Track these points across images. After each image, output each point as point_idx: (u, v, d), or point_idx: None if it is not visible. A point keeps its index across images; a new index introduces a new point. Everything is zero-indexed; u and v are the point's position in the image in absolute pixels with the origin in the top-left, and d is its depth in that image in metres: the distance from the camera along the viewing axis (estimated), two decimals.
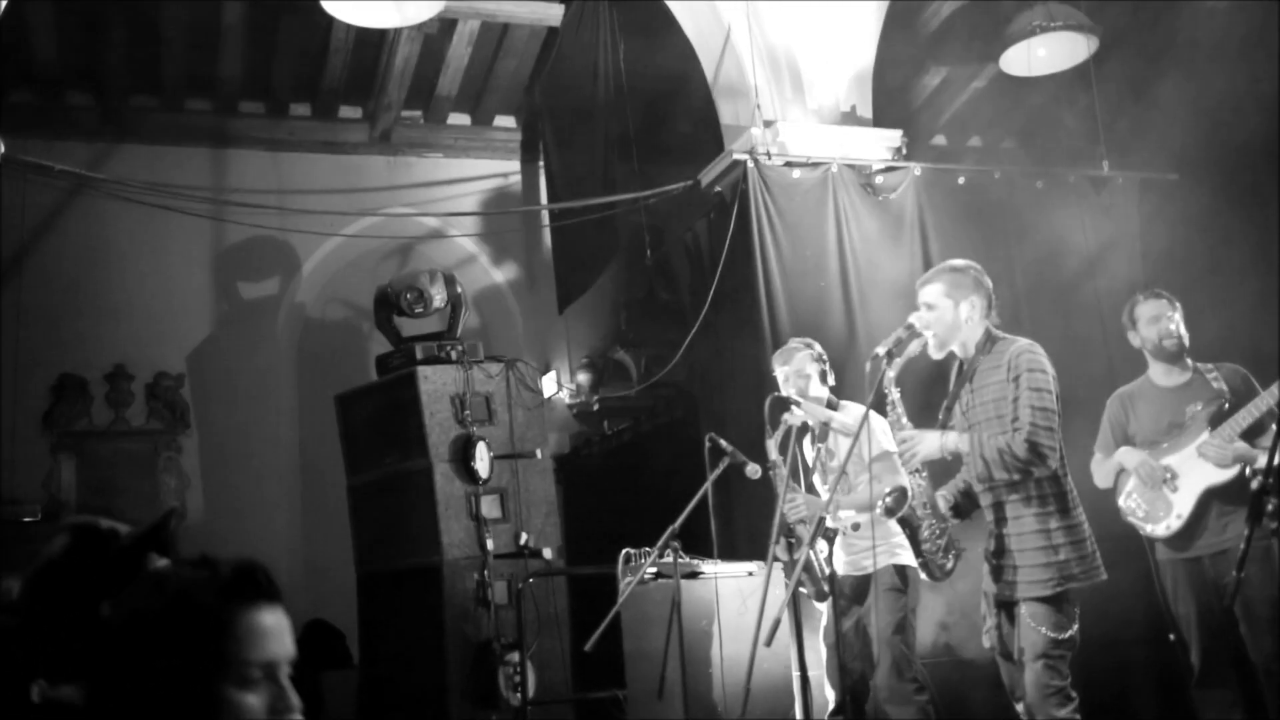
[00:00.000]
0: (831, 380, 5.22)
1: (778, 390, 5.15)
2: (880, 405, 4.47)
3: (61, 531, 1.96)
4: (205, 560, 1.59)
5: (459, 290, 7.11)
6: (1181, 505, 4.97)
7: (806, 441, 5.20)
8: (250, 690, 1.52)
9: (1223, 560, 4.84)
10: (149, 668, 1.48)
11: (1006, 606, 4.29)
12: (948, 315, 4.27)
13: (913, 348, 4.32)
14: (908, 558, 4.92)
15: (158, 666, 1.48)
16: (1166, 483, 4.99)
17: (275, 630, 1.57)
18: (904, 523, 4.42)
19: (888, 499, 4.44)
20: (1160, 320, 5.12)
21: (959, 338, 4.30)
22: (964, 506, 4.43)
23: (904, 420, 4.34)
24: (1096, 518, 5.71)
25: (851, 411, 4.94)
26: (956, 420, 4.36)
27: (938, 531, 4.37)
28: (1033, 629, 4.11)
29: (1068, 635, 4.13)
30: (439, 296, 7.05)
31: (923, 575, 4.51)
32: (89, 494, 8.31)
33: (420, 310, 7.04)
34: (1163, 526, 5.02)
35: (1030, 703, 4.17)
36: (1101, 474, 5.24)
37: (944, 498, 4.43)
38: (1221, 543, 4.88)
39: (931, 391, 4.78)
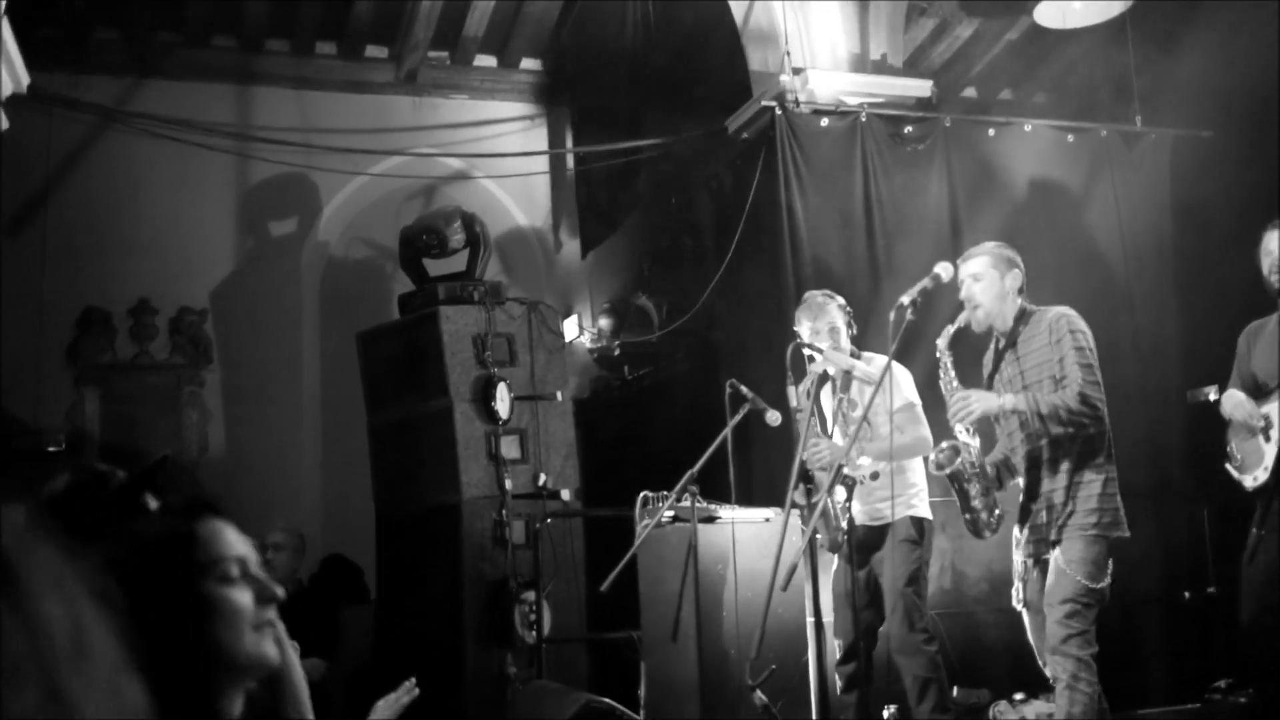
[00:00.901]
0: (854, 330, 5.21)
1: (799, 339, 5.12)
2: (901, 356, 4.56)
3: (63, 471, 2.04)
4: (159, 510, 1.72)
5: (478, 231, 7.07)
6: (1270, 457, 4.73)
7: (827, 391, 5.19)
8: (234, 586, 1.62)
9: None
10: (136, 603, 1.53)
11: (1040, 555, 4.39)
12: (995, 286, 4.47)
13: (961, 319, 4.48)
14: (924, 510, 4.97)
15: (144, 597, 1.51)
16: (1262, 431, 4.76)
17: (236, 535, 1.68)
18: (954, 479, 4.45)
19: (940, 455, 4.49)
20: (1271, 253, 4.81)
21: (1002, 310, 4.48)
22: (1003, 477, 4.55)
23: (955, 383, 4.48)
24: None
25: (875, 362, 4.92)
26: (999, 389, 4.53)
27: (985, 489, 4.45)
28: (1066, 573, 4.23)
29: (1100, 586, 4.22)
30: (457, 237, 7.02)
31: (970, 533, 4.58)
32: (112, 427, 8.38)
33: (437, 251, 7.02)
34: (1250, 478, 4.82)
35: (1052, 645, 4.26)
36: (1224, 400, 5.02)
37: (989, 464, 4.54)
38: None
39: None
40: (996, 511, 4.47)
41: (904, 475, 4.89)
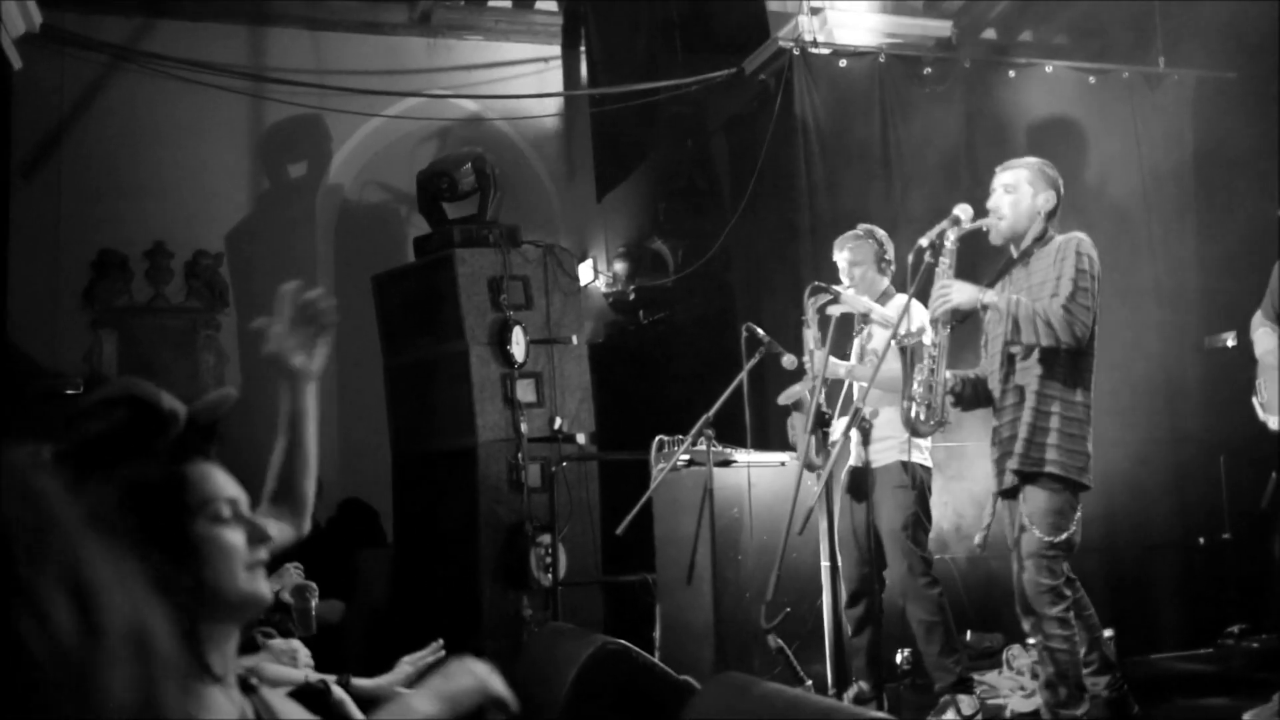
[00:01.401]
0: (893, 269, 5.12)
1: (818, 280, 5.08)
2: (922, 298, 4.40)
3: (120, 403, 1.81)
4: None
5: (489, 173, 6.97)
6: None
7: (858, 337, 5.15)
8: (226, 526, 1.63)
9: None
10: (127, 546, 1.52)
11: (1011, 497, 4.28)
12: (1024, 201, 4.28)
13: (986, 223, 4.28)
14: (917, 455, 4.86)
15: (135, 540, 1.50)
16: None
17: (226, 476, 1.68)
18: (906, 355, 4.24)
19: (906, 332, 4.25)
20: None
21: (1026, 227, 4.29)
22: (967, 396, 4.36)
23: (950, 275, 4.26)
24: (1122, 418, 5.71)
25: (897, 304, 4.84)
26: None
27: (931, 386, 4.21)
28: (1027, 528, 4.11)
29: (1063, 538, 4.09)
30: (467, 180, 6.96)
31: (903, 423, 4.29)
32: (129, 370, 8.41)
33: (448, 195, 6.98)
34: (1274, 420, 4.78)
35: (1022, 603, 4.19)
36: (1256, 340, 4.97)
37: (953, 373, 4.32)
38: None
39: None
40: (937, 414, 4.19)
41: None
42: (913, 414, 4.21)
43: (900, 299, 4.74)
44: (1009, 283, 4.34)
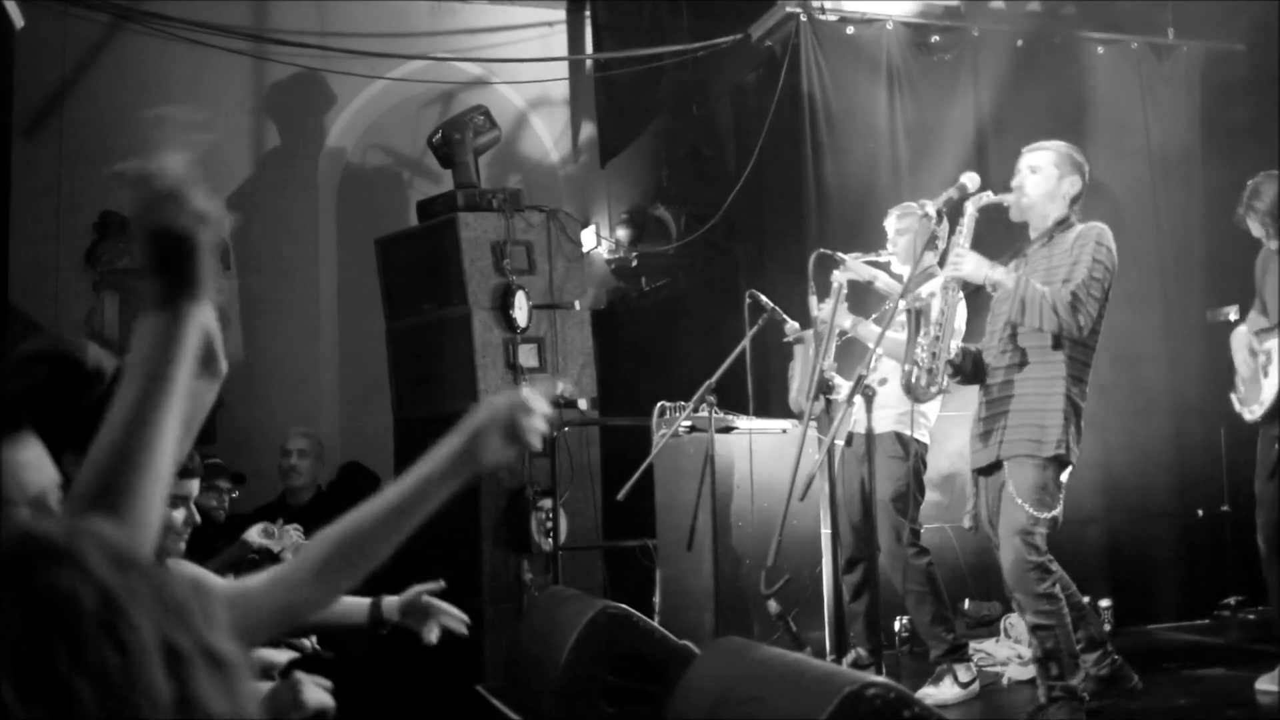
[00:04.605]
0: (941, 246, 4.95)
1: (823, 248, 5.05)
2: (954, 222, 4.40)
3: (43, 360, 1.75)
4: None
5: (452, 139, 6.87)
6: (1266, 394, 4.74)
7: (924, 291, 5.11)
8: None
9: None
10: None
11: (989, 474, 4.29)
12: (1048, 184, 4.30)
13: (1008, 199, 4.29)
14: (914, 429, 4.88)
15: None
16: (1262, 368, 4.77)
17: (34, 463, 1.47)
18: (912, 318, 4.26)
19: (913, 297, 4.29)
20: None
21: (1046, 209, 4.31)
22: (967, 369, 4.37)
23: (966, 246, 4.29)
24: (1124, 389, 5.71)
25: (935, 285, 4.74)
26: None
27: (934, 353, 4.23)
28: (1015, 502, 4.12)
29: (1048, 516, 4.11)
30: (442, 150, 6.90)
31: (902, 388, 4.34)
32: (131, 331, 8.40)
33: (442, 164, 6.96)
34: (1248, 411, 4.84)
35: (1007, 577, 4.19)
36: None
37: (957, 345, 4.36)
38: None
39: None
40: (937, 380, 4.22)
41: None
42: (913, 379, 4.23)
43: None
44: (1025, 263, 4.34)
